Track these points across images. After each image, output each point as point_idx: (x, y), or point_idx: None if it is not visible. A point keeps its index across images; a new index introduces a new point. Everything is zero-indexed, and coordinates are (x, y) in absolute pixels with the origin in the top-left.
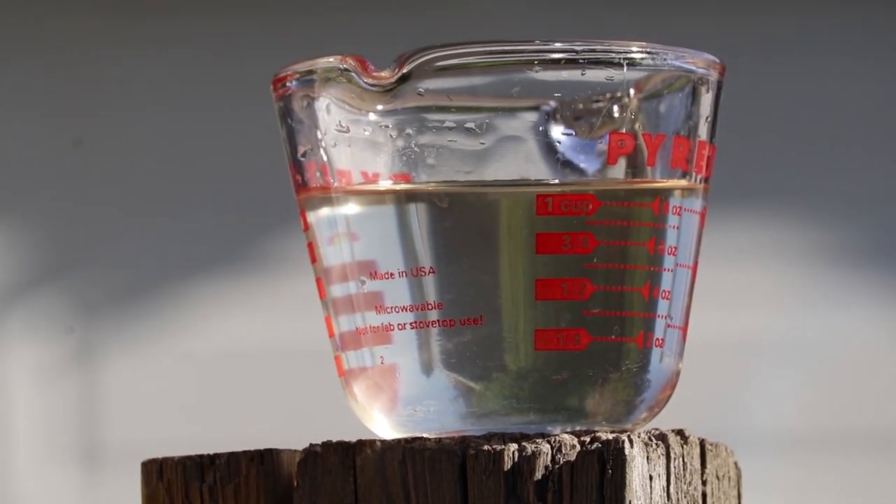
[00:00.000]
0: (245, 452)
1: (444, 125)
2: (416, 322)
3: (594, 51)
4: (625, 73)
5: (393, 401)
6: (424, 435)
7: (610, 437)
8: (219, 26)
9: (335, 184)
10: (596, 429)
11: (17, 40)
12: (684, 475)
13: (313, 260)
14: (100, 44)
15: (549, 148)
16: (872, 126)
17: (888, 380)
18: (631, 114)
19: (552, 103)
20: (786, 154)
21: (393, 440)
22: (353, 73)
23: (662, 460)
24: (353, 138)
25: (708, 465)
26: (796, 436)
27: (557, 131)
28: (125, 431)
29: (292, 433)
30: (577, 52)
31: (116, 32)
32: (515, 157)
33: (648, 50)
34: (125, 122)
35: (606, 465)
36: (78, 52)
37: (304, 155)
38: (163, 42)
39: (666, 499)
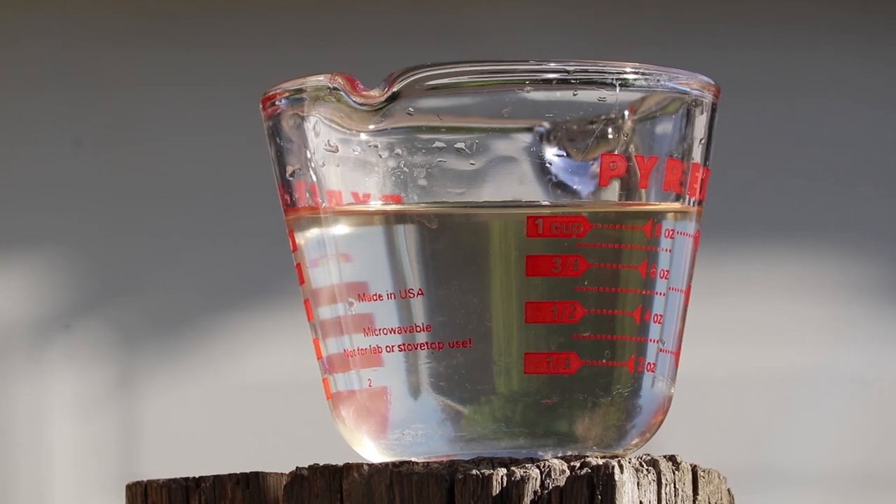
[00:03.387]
0: (230, 475)
1: (434, 145)
2: (404, 344)
3: (586, 71)
4: (617, 94)
5: (381, 424)
6: (412, 459)
7: (600, 462)
8: (222, 26)
9: (324, 204)
10: (586, 454)
11: (18, 40)
12: (676, 502)
13: (301, 281)
14: (103, 46)
15: (540, 169)
16: None
17: None
18: (624, 135)
19: (545, 124)
20: (826, 188)
21: (380, 464)
22: (342, 92)
23: (653, 486)
24: (342, 158)
25: (700, 492)
26: (835, 471)
27: (549, 152)
28: (164, 462)
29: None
30: (569, 72)
31: (119, 33)
32: (506, 178)
33: (642, 71)
34: (159, 151)
35: (596, 491)
36: (79, 52)
37: (292, 174)
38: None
39: None
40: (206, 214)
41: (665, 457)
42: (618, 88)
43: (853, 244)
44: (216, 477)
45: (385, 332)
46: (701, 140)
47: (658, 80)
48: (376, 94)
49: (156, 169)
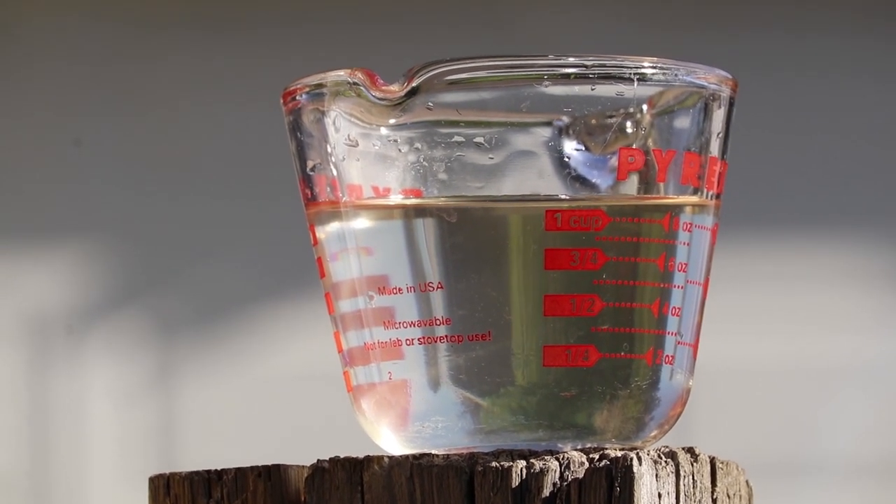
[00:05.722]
0: (252, 468)
1: (454, 140)
2: (424, 337)
3: (604, 66)
4: (635, 89)
5: (401, 416)
6: (432, 451)
7: (619, 454)
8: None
9: (344, 198)
10: (605, 446)
11: (18, 41)
12: (694, 493)
13: (322, 275)
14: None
15: (559, 163)
16: None
17: None
18: (642, 129)
19: (564, 118)
20: (872, 176)
21: (401, 456)
22: (362, 87)
23: (672, 478)
24: (362, 152)
25: (718, 484)
26: (880, 462)
27: (568, 146)
28: (201, 453)
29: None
30: (587, 66)
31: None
32: (525, 172)
33: (659, 65)
34: (198, 144)
35: (615, 483)
36: (80, 54)
37: (313, 169)
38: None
39: None
40: (245, 206)
41: (683, 448)
42: (636, 83)
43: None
44: (238, 469)
45: (405, 325)
46: (718, 134)
47: (676, 75)
48: (396, 89)
49: (195, 161)
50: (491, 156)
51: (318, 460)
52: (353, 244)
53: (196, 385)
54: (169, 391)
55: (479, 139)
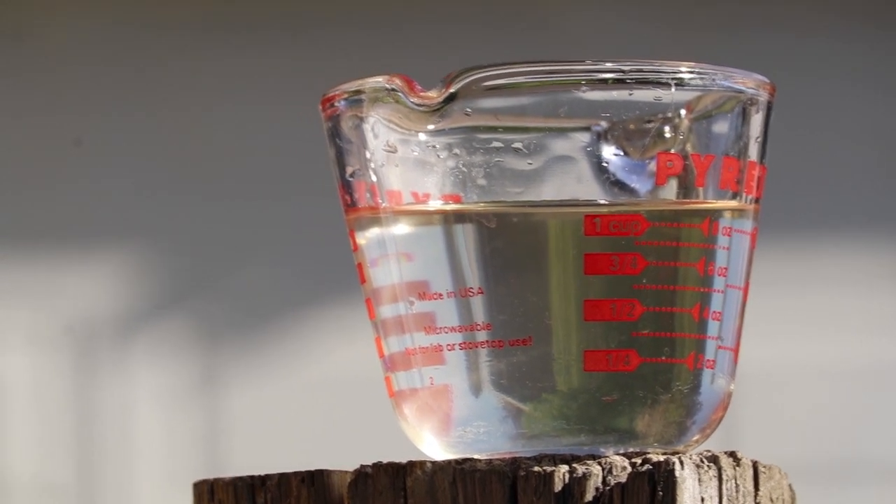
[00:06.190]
0: (296, 473)
1: (492, 145)
2: (464, 343)
3: (642, 71)
4: (673, 94)
5: (443, 422)
6: (475, 456)
7: (661, 458)
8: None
9: (384, 204)
10: (647, 450)
11: (19, 41)
12: (737, 497)
13: (362, 280)
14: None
15: (598, 168)
16: None
17: None
18: (680, 134)
19: (602, 123)
20: None
21: (443, 461)
22: (400, 93)
23: (714, 482)
24: (401, 158)
25: (761, 488)
26: None
27: (607, 151)
28: (247, 457)
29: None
30: (624, 72)
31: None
32: (564, 177)
33: (697, 70)
34: (241, 150)
35: (657, 487)
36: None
37: (352, 175)
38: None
39: None
40: (289, 211)
41: (726, 452)
42: (673, 88)
43: None
44: (281, 475)
45: (446, 330)
46: (757, 138)
47: (714, 80)
48: (434, 95)
49: (239, 167)
50: (529, 161)
51: (362, 465)
52: (394, 250)
53: (241, 390)
54: (214, 396)
55: (518, 144)
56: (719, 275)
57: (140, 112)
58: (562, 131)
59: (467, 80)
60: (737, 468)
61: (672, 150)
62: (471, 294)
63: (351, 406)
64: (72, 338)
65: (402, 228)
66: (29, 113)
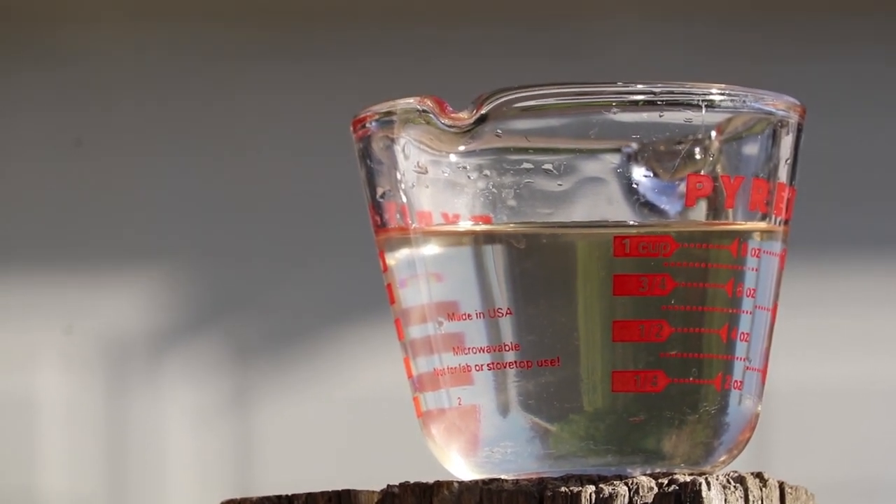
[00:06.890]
0: (323, 493)
1: (523, 166)
2: (493, 363)
3: (672, 93)
4: (703, 116)
5: (471, 442)
6: (502, 476)
7: (688, 479)
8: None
9: (414, 225)
10: (674, 471)
11: (20, 41)
12: None
13: (392, 301)
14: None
15: (627, 189)
16: None
17: None
18: (710, 155)
19: (632, 145)
20: None
21: (470, 481)
22: (431, 115)
23: (741, 503)
24: (432, 179)
25: None
26: None
27: (637, 173)
28: (279, 475)
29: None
30: (655, 93)
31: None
32: (594, 198)
33: (728, 92)
34: (273, 168)
35: None
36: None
37: (383, 196)
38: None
39: None
40: (321, 231)
41: (752, 473)
42: (704, 109)
43: None
44: (308, 494)
45: (474, 350)
46: (787, 160)
47: (744, 101)
48: (465, 116)
49: (272, 186)
50: (560, 182)
51: (389, 485)
52: (423, 270)
53: (271, 408)
54: (245, 415)
55: (548, 166)
56: (748, 296)
57: (177, 127)
58: (592, 153)
59: (498, 101)
60: (763, 489)
61: (702, 172)
62: (500, 315)
63: (379, 426)
64: (71, 337)
65: (431, 249)
66: (64, 130)
